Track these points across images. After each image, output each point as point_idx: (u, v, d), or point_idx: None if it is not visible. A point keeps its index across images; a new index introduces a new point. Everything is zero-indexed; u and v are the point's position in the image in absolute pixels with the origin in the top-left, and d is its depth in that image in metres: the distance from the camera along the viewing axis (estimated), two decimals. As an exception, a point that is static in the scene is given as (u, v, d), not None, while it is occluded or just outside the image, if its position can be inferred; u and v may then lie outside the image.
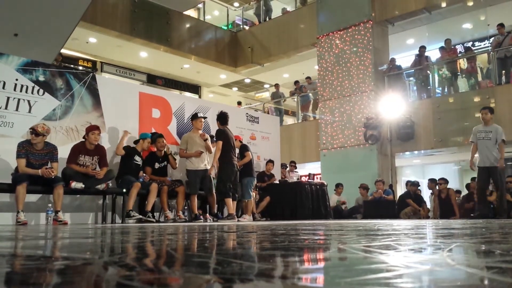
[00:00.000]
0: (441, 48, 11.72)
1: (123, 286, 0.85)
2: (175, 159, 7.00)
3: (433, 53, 12.15)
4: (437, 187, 9.63)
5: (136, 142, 6.69)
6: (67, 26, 8.30)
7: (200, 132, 6.97)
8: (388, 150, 11.56)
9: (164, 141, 6.86)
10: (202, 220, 6.69)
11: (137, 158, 6.50)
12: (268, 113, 14.20)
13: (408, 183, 10.28)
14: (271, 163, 8.86)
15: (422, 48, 11.71)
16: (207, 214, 7.03)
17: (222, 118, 7.21)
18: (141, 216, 6.15)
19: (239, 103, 15.79)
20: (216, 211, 7.17)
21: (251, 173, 7.68)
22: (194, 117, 7.06)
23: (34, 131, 5.38)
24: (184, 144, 6.93)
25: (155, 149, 6.85)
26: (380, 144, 11.48)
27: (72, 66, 12.78)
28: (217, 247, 1.85)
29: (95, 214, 6.55)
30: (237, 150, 7.53)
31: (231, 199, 6.99)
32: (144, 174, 6.59)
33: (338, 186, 10.78)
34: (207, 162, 6.95)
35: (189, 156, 6.84)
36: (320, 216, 8.63)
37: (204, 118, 7.14)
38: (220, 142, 6.96)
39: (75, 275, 1.02)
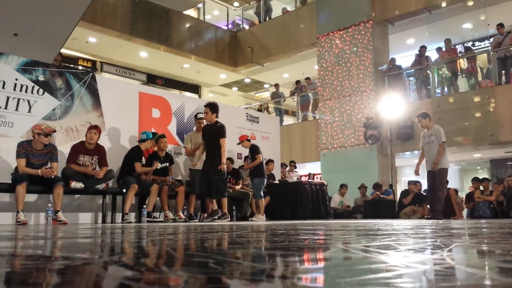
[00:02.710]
0: (438, 49, 11.73)
1: (123, 286, 0.85)
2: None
3: (433, 53, 12.15)
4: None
5: (142, 141, 6.63)
6: (67, 26, 8.29)
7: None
8: (388, 150, 11.56)
9: (166, 141, 6.87)
10: (197, 220, 6.73)
11: (142, 159, 6.51)
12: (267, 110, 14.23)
13: (410, 183, 10.27)
14: (272, 163, 8.85)
15: (423, 48, 11.71)
16: (204, 214, 7.06)
17: (218, 108, 6.64)
18: (131, 220, 6.13)
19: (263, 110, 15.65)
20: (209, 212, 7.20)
21: (262, 174, 7.64)
22: (195, 117, 7.32)
23: (43, 131, 5.35)
24: (188, 143, 7.14)
25: (156, 149, 6.84)
26: (380, 144, 11.48)
27: (72, 65, 12.78)
28: (217, 247, 1.85)
29: (95, 214, 6.55)
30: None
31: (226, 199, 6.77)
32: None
33: (342, 186, 10.75)
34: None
35: (193, 152, 6.98)
36: (320, 216, 8.63)
37: (202, 118, 7.16)
38: (225, 139, 6.46)
39: (75, 275, 1.02)
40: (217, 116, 6.59)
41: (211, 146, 6.48)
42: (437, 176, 7.13)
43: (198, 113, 7.40)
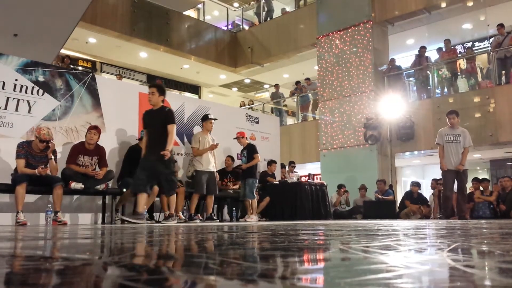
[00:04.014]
0: (439, 49, 11.73)
1: (123, 286, 0.85)
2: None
3: (433, 54, 12.16)
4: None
5: (141, 139, 6.59)
6: (66, 26, 8.30)
7: (212, 141, 7.07)
8: (388, 151, 11.56)
9: None
10: (198, 221, 6.73)
11: None
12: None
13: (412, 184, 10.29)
14: (275, 164, 8.89)
15: (423, 49, 11.71)
16: (198, 215, 7.07)
17: (165, 91, 5.83)
18: (126, 218, 6.12)
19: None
20: (211, 213, 7.21)
21: (255, 175, 7.72)
22: (205, 118, 7.12)
23: (39, 136, 5.35)
24: (197, 143, 7.04)
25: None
26: (380, 144, 11.48)
27: (72, 66, 12.79)
28: (217, 248, 1.84)
29: (95, 215, 6.55)
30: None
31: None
32: None
33: (340, 187, 10.76)
34: (215, 164, 7.09)
35: (204, 153, 6.91)
36: (320, 216, 8.63)
37: (215, 119, 7.16)
38: (175, 126, 5.68)
39: (75, 276, 1.02)
40: (163, 101, 5.75)
41: (156, 133, 5.61)
42: (462, 177, 7.18)
43: (207, 114, 7.33)
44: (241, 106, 14.87)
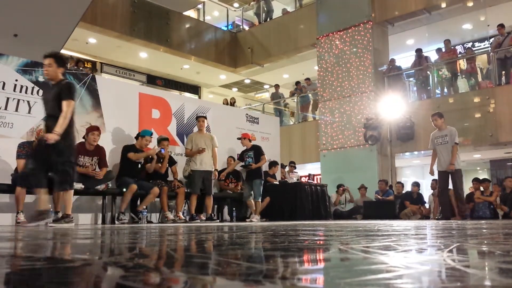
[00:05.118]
0: (438, 50, 11.73)
1: (123, 287, 0.85)
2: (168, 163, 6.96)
3: (433, 54, 12.16)
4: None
5: (135, 138, 6.62)
6: (67, 26, 8.30)
7: (211, 140, 7.15)
8: (388, 151, 11.56)
9: (168, 144, 6.89)
10: (198, 221, 6.74)
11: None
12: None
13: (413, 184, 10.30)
14: (278, 165, 8.90)
15: (419, 51, 11.71)
16: (201, 215, 7.07)
17: (65, 62, 4.89)
18: (126, 220, 6.14)
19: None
20: (211, 213, 7.22)
21: (262, 175, 7.79)
22: (196, 118, 7.33)
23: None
24: (189, 144, 7.10)
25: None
26: (380, 144, 11.48)
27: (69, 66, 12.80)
28: (217, 248, 1.84)
29: (95, 215, 6.55)
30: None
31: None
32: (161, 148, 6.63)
33: (339, 187, 10.76)
34: (211, 164, 7.10)
35: (193, 155, 6.96)
36: (320, 217, 8.63)
37: (202, 117, 7.20)
38: (73, 103, 4.51)
39: (75, 276, 1.02)
40: (64, 74, 4.77)
41: (53, 112, 4.50)
42: (454, 177, 7.06)
43: (199, 113, 7.46)
44: (223, 103, 14.80)
